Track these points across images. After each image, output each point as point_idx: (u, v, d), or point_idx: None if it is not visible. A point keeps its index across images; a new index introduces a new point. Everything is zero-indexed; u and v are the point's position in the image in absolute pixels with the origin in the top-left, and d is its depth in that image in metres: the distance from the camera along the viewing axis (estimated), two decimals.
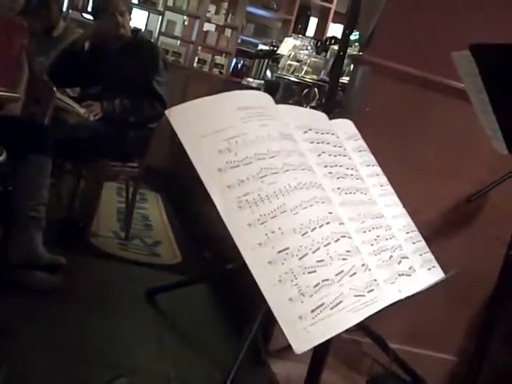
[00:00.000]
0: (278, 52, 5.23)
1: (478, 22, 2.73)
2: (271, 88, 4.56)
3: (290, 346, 0.82)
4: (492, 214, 2.64)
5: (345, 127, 1.25)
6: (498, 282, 1.70)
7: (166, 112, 0.85)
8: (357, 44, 3.34)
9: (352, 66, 3.04)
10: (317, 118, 1.12)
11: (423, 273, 1.05)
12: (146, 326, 2.64)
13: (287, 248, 0.84)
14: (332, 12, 7.10)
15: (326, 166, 1.03)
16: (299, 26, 7.09)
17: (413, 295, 1.04)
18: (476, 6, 2.75)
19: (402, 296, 0.97)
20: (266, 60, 5.61)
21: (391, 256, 1.01)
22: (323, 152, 1.05)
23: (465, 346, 2.69)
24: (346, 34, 2.74)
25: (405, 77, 2.59)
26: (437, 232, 2.57)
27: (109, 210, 4.23)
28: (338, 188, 1.02)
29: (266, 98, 0.97)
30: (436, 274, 1.09)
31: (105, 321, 2.53)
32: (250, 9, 6.71)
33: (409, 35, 2.65)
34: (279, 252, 0.83)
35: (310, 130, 1.04)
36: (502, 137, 1.77)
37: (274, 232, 0.84)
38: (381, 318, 1.04)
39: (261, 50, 6.17)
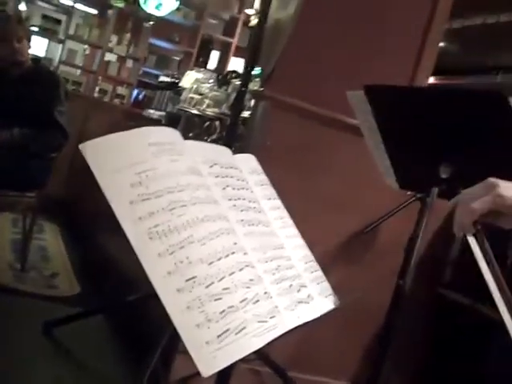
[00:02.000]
0: (180, 84, 5.29)
1: (375, 61, 2.90)
2: (173, 120, 4.60)
3: (190, 376, 0.85)
4: (385, 244, 2.77)
5: (247, 162, 1.31)
6: (389, 310, 1.80)
7: (80, 146, 0.88)
8: (258, 79, 3.44)
9: (253, 100, 3.13)
10: (221, 152, 1.17)
11: (320, 300, 1.12)
12: (43, 360, 2.58)
13: (195, 277, 0.88)
14: (234, 46, 7.25)
15: (230, 199, 1.09)
16: (201, 59, 7.19)
17: (311, 322, 1.11)
18: (372, 45, 2.92)
19: (301, 322, 1.03)
20: (168, 92, 5.66)
21: (291, 285, 1.07)
22: (228, 186, 1.11)
23: (360, 373, 2.80)
24: (247, 69, 2.82)
25: (303, 112, 2.70)
26: (334, 262, 2.67)
27: (2, 241, 4.10)
28: (242, 220, 1.08)
29: (175, 134, 1.02)
30: (332, 302, 1.16)
31: None
32: (153, 40, 6.75)
33: (308, 72, 2.77)
34: (187, 280, 0.87)
35: (215, 164, 1.10)
36: (394, 174, 1.89)
37: (182, 261, 0.88)
38: (280, 347, 1.09)
39: (162, 82, 6.22)
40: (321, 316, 1.15)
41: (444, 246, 3.20)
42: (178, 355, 2.13)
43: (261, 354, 2.13)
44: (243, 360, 0.93)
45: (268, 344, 0.96)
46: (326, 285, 1.18)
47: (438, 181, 1.68)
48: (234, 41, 7.24)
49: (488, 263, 0.99)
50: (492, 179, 1.05)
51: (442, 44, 6.11)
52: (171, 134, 1.00)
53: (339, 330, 2.65)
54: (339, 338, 2.73)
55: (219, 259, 0.94)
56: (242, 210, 1.10)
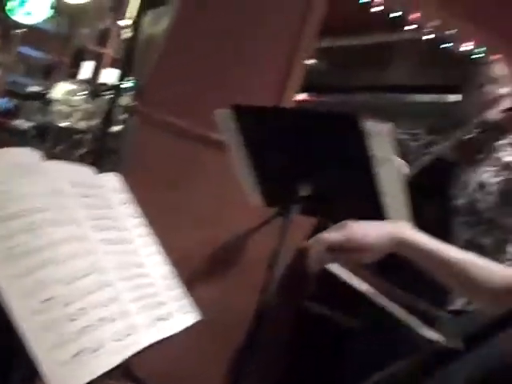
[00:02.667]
0: (50, 95, 5.16)
1: (244, 78, 2.98)
2: (42, 131, 4.49)
3: None
4: (249, 259, 2.84)
5: (112, 180, 1.32)
6: (253, 324, 1.85)
7: None
8: (132, 92, 3.43)
9: (126, 114, 3.12)
10: (84, 172, 1.18)
11: (180, 317, 1.16)
12: None
13: (52, 297, 0.89)
14: (108, 57, 7.17)
15: (92, 219, 1.10)
16: (73, 70, 7.06)
17: (174, 337, 1.14)
18: (242, 63, 3.01)
19: (159, 338, 1.07)
20: (37, 102, 5.51)
21: (151, 302, 1.11)
22: (90, 205, 1.12)
23: None
24: (120, 81, 2.82)
25: (174, 128, 2.73)
26: (200, 277, 2.71)
27: None
28: (104, 239, 1.10)
29: (34, 154, 1.02)
30: (192, 318, 1.20)
31: None
32: (23, 49, 6.55)
33: (179, 88, 2.81)
34: (44, 301, 0.88)
35: (77, 184, 1.11)
36: (259, 191, 1.96)
37: (40, 282, 0.89)
38: (145, 362, 1.12)
39: (31, 92, 6.04)
40: (185, 330, 1.19)
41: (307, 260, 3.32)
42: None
43: (125, 370, 2.12)
44: (109, 377, 0.94)
45: (131, 359, 0.99)
46: (187, 301, 1.22)
47: (299, 198, 1.76)
48: (108, 51, 7.16)
49: (358, 277, 1.08)
50: (346, 221, 1.17)
51: (313, 62, 6.36)
52: (30, 155, 1.00)
53: (205, 343, 2.68)
54: (204, 352, 2.76)
55: (78, 279, 0.96)
56: (103, 230, 1.12)
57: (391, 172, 1.56)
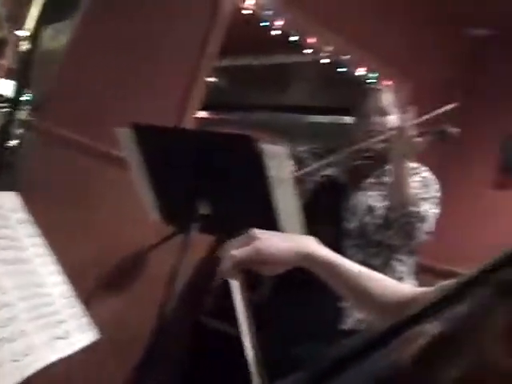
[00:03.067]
0: None
1: (146, 96, 2.98)
2: None
3: None
4: (149, 276, 2.84)
5: (9, 198, 1.31)
6: (152, 339, 1.87)
7: None
8: (29, 106, 3.35)
9: (22, 129, 3.05)
10: None
11: (78, 336, 1.16)
12: None
13: None
14: (3, 67, 6.94)
15: None
16: None
17: (74, 354, 1.14)
18: (143, 81, 3.01)
19: (58, 357, 1.07)
20: None
21: (50, 321, 1.11)
22: None
23: None
24: (16, 94, 2.75)
25: (75, 145, 2.69)
26: (100, 294, 2.68)
27: None
28: (2, 260, 1.09)
29: None
30: (91, 337, 1.21)
31: None
32: None
33: (80, 104, 2.78)
34: None
35: None
36: (158, 207, 1.99)
37: None
38: (44, 381, 1.11)
39: None
40: (85, 347, 1.19)
41: (206, 277, 3.37)
42: None
43: None
44: None
45: (30, 379, 0.98)
46: (86, 319, 1.23)
47: (198, 217, 1.80)
48: (3, 62, 6.93)
49: (244, 307, 1.08)
50: (255, 231, 1.17)
51: (213, 80, 6.43)
52: None
53: (104, 359, 2.66)
54: (104, 368, 2.74)
55: None
56: (1, 249, 1.11)
57: (287, 192, 1.62)
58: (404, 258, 2.35)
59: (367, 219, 2.30)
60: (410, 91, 3.60)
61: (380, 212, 2.27)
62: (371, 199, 2.33)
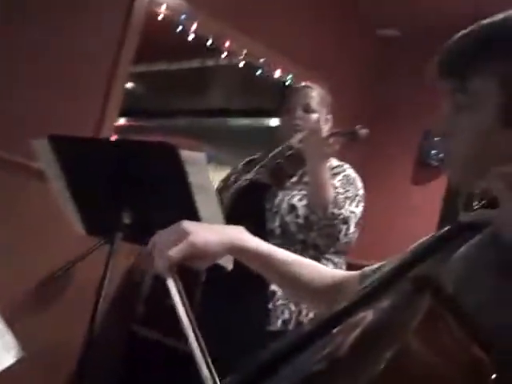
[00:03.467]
0: None
1: (65, 105, 2.93)
2: None
3: None
4: (77, 288, 2.80)
5: None
6: (83, 351, 1.83)
7: None
8: None
9: None
10: None
11: (3, 355, 1.14)
12: None
13: None
14: None
15: None
16: None
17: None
18: (61, 90, 2.96)
19: None
20: None
21: None
22: None
23: None
24: None
25: None
26: (25, 310, 2.62)
27: None
28: None
29: None
30: (14, 355, 1.19)
31: None
32: None
33: None
34: None
35: None
36: (81, 219, 1.96)
37: None
38: None
39: None
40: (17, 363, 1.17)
41: (135, 286, 3.35)
42: None
43: None
44: None
45: None
46: (9, 338, 1.20)
47: (122, 226, 1.79)
48: None
49: (183, 304, 1.06)
50: (185, 224, 1.15)
51: (130, 86, 6.37)
52: None
53: (37, 373, 2.60)
54: (38, 380, 2.68)
55: None
56: None
57: (209, 198, 1.64)
58: (332, 257, 2.35)
59: (288, 218, 2.29)
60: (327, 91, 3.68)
61: (301, 211, 2.27)
62: (293, 198, 2.32)
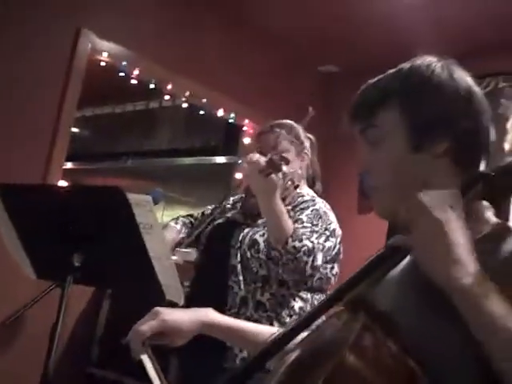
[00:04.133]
0: None
1: (11, 153, 2.95)
2: None
3: None
4: (31, 333, 2.79)
5: None
6: None
7: None
8: None
9: None
10: None
11: None
12: None
13: None
14: None
15: None
16: None
17: None
18: (7, 137, 2.98)
19: None
20: None
21: None
22: None
23: None
24: None
25: None
26: None
27: None
28: None
29: None
30: None
31: None
32: None
33: None
34: None
35: None
36: (32, 264, 1.98)
37: None
38: None
39: None
40: None
41: (89, 327, 3.35)
42: None
43: None
44: None
45: None
46: None
47: (73, 269, 1.82)
48: None
49: (159, 378, 1.17)
50: (158, 309, 1.30)
51: (76, 130, 6.40)
52: None
53: None
54: None
55: None
56: None
57: (157, 237, 1.69)
58: (302, 293, 2.30)
59: (249, 254, 2.26)
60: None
61: (262, 247, 2.23)
62: (256, 234, 2.28)
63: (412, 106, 1.11)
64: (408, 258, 1.12)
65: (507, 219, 1.10)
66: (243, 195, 2.55)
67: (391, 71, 1.17)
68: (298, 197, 2.38)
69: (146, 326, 1.25)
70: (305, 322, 1.03)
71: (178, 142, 5.73)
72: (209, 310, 1.39)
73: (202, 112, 4.27)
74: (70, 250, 1.81)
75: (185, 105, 4.25)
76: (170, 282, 1.69)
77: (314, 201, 2.36)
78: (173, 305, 1.67)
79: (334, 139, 4.48)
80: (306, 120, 2.32)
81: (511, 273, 0.94)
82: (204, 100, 4.11)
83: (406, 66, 1.15)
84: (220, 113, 4.24)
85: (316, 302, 2.22)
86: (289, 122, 2.48)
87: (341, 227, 2.37)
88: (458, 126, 1.08)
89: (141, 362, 1.22)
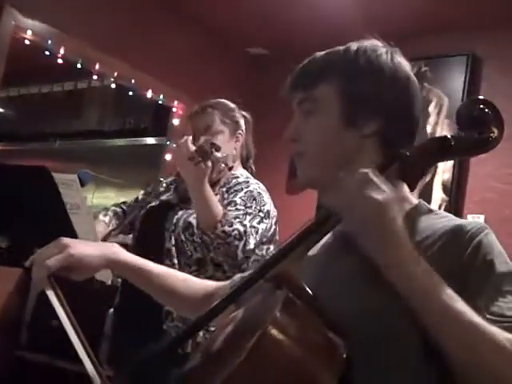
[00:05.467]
0: None
1: None
2: None
3: None
4: None
5: None
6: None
7: None
8: None
9: None
10: None
11: None
12: None
13: None
14: None
15: None
16: None
17: None
18: None
19: None
20: None
21: None
22: None
23: None
24: None
25: None
26: None
27: None
28: None
29: None
30: None
31: None
32: None
33: None
34: None
35: None
36: None
37: None
38: None
39: None
40: None
41: (18, 310, 3.31)
42: None
43: None
44: None
45: None
46: None
47: None
48: None
49: (64, 310, 1.12)
50: (64, 239, 1.24)
51: (1, 111, 6.22)
52: None
53: None
54: None
55: None
56: None
57: (83, 217, 1.70)
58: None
59: (183, 237, 2.24)
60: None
61: (196, 229, 2.21)
62: (190, 216, 2.26)
63: (350, 84, 1.15)
64: (329, 235, 1.17)
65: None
66: (176, 177, 2.52)
67: (339, 48, 1.20)
68: (233, 178, 2.37)
69: (53, 260, 1.19)
70: (230, 297, 1.06)
71: (107, 123, 5.66)
72: (116, 246, 1.34)
73: (130, 93, 4.23)
74: None
75: (113, 85, 4.20)
76: None
77: (247, 182, 2.34)
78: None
79: (263, 119, 4.58)
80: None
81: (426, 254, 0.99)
82: (133, 81, 4.07)
83: (353, 46, 1.19)
84: (149, 94, 4.21)
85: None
86: (222, 101, 2.45)
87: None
88: (391, 110, 1.14)
89: (45, 294, 1.17)
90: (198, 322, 1.09)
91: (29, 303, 3.35)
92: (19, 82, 5.62)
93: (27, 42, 3.62)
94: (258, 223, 2.22)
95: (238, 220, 2.15)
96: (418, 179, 1.07)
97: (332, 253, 1.17)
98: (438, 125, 3.97)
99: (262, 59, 4.84)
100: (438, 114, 3.99)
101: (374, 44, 1.19)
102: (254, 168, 2.57)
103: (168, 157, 4.25)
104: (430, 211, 1.15)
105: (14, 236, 1.80)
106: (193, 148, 2.11)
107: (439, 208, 3.75)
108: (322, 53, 1.21)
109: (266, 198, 2.33)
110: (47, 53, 3.73)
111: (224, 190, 2.32)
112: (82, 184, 1.83)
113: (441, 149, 1.04)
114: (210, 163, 2.12)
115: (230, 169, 2.36)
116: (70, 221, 1.69)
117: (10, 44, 3.45)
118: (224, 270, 2.23)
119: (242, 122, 2.45)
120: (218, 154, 2.13)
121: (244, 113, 2.50)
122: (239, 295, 1.06)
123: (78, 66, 3.90)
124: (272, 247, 2.34)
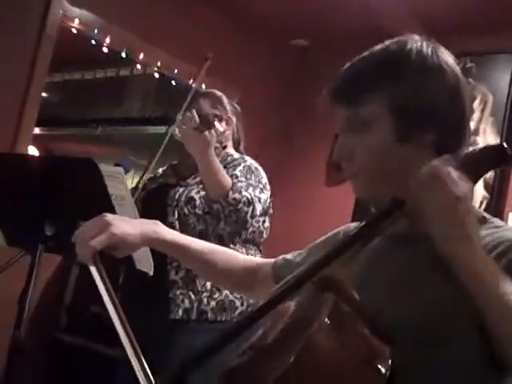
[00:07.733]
0: None
1: None
2: None
3: None
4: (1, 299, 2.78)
5: None
6: (7, 363, 1.85)
7: None
8: None
9: None
10: None
11: None
12: None
13: None
14: None
15: None
16: None
17: None
18: None
19: None
20: None
21: None
22: None
23: None
24: None
25: None
26: None
27: None
28: None
29: None
30: None
31: None
32: None
33: None
34: None
35: None
36: (2, 233, 1.99)
37: None
38: None
39: None
40: None
41: (58, 295, 3.37)
42: None
43: None
44: None
45: None
46: None
47: (44, 238, 1.84)
48: None
49: (107, 290, 1.16)
50: (106, 216, 1.26)
51: (45, 95, 6.32)
52: None
53: None
54: None
55: None
56: None
57: (128, 208, 1.73)
58: (238, 247, 2.39)
59: (186, 210, 2.34)
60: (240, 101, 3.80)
61: (199, 202, 2.33)
62: (192, 191, 2.38)
63: (401, 96, 1.10)
64: (378, 239, 1.15)
65: None
66: (172, 163, 2.68)
67: (377, 51, 1.14)
68: (227, 156, 2.50)
69: (97, 240, 1.21)
70: (274, 301, 1.00)
71: (148, 110, 5.70)
72: (157, 224, 1.36)
73: (173, 83, 4.26)
74: (41, 219, 1.83)
75: (156, 75, 4.24)
76: (141, 253, 1.72)
77: (243, 158, 2.48)
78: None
79: (303, 113, 4.56)
80: (203, 69, 2.47)
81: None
82: (175, 70, 4.10)
83: (393, 48, 1.13)
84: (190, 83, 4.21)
85: (251, 256, 2.20)
86: (212, 91, 2.65)
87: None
88: (446, 119, 1.10)
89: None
90: (250, 317, 1.02)
91: (68, 288, 3.42)
92: (63, 68, 5.69)
93: (74, 30, 3.67)
94: (259, 193, 2.35)
95: (243, 189, 2.28)
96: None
97: (382, 253, 1.16)
98: (482, 122, 3.91)
99: (304, 50, 4.80)
100: (483, 111, 3.93)
101: (418, 45, 1.12)
102: (244, 152, 2.67)
103: None
104: (484, 218, 1.13)
105: (61, 225, 1.83)
106: (197, 118, 2.26)
107: (480, 205, 3.72)
108: (360, 62, 1.14)
109: (262, 172, 2.46)
110: (93, 41, 3.78)
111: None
112: (125, 170, 1.86)
113: (498, 158, 1.01)
114: (214, 132, 2.26)
115: (224, 147, 2.53)
116: (115, 212, 1.71)
117: (57, 32, 3.51)
118: (225, 241, 2.33)
119: (228, 108, 2.59)
120: (220, 127, 2.31)
121: (233, 103, 2.68)
122: (283, 299, 1.01)
123: (123, 54, 3.94)
124: (267, 220, 2.46)
